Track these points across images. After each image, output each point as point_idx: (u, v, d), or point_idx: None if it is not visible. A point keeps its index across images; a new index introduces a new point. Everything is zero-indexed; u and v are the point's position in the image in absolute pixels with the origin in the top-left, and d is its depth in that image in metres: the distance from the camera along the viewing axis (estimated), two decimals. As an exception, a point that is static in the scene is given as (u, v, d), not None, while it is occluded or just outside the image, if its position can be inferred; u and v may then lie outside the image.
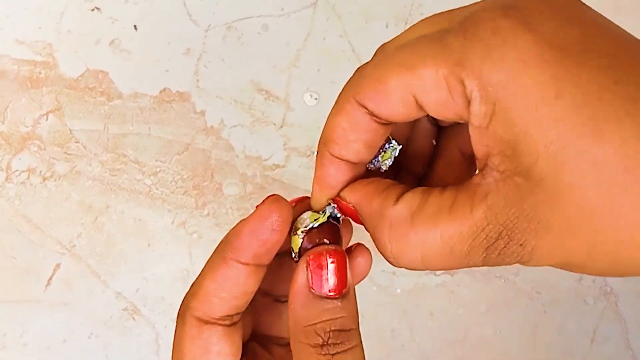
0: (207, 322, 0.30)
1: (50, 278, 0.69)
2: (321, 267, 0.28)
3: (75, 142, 0.69)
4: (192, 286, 0.30)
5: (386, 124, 0.28)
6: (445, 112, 0.26)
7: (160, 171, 0.69)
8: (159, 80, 0.70)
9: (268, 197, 0.30)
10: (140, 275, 0.69)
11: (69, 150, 0.69)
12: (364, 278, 0.33)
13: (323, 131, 0.29)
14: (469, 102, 0.24)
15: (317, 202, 0.30)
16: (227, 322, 0.30)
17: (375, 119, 0.28)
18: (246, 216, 0.30)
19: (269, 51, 0.70)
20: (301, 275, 0.29)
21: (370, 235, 0.28)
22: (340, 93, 0.29)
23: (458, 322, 0.69)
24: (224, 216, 0.68)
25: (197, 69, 0.70)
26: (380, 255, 0.70)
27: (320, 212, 0.30)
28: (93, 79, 0.70)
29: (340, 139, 0.28)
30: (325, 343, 0.28)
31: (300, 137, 0.69)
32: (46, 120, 0.69)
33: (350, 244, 0.34)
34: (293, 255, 0.31)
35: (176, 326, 0.31)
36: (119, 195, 0.69)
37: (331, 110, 0.29)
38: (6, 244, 0.69)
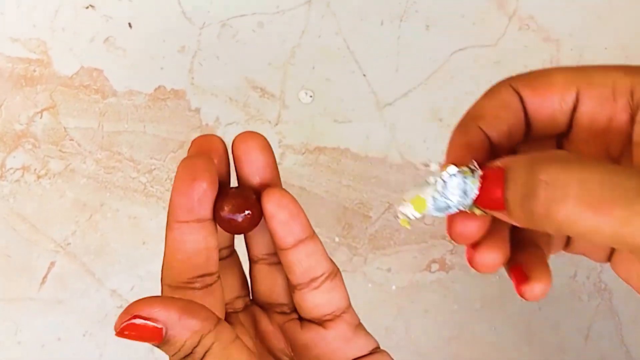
0: (177, 287, 0.32)
1: (45, 276, 0.69)
2: (133, 336, 0.29)
3: (70, 140, 0.69)
4: (164, 258, 0.33)
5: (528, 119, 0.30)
6: (600, 110, 0.29)
7: (155, 169, 0.69)
8: (153, 78, 0.70)
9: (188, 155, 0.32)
10: (135, 274, 0.69)
11: (63, 148, 0.69)
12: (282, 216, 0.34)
13: (472, 109, 0.32)
14: (630, 108, 0.28)
15: (457, 159, 0.30)
16: (196, 286, 0.32)
17: (525, 107, 0.31)
18: None
19: (264, 49, 0.70)
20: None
21: (512, 199, 0.27)
22: (497, 83, 0.32)
23: (453, 319, 0.69)
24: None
25: (192, 67, 0.70)
26: (376, 254, 0.70)
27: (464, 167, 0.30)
28: (87, 76, 0.70)
29: (490, 116, 0.31)
30: None
31: (295, 135, 0.69)
32: (41, 118, 0.69)
33: None
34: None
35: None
36: (113, 193, 0.69)
37: (482, 95, 0.32)
38: (0, 242, 0.69)
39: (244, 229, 0.32)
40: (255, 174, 0.33)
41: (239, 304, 0.36)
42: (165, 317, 0.28)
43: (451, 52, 0.70)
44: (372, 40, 0.70)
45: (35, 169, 0.69)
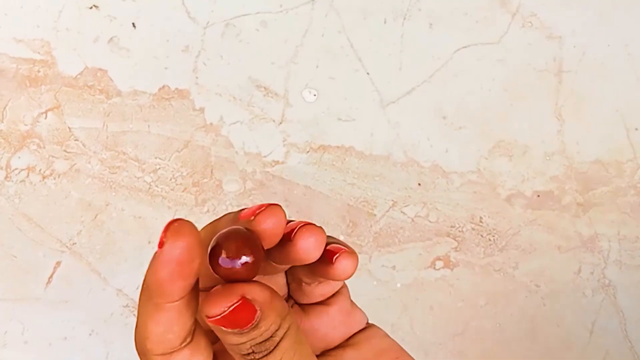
0: (171, 354, 0.30)
1: (51, 276, 0.69)
2: (223, 321, 0.28)
3: (75, 140, 0.69)
4: (138, 329, 0.30)
5: None
6: None
7: (159, 168, 0.69)
8: (157, 78, 0.70)
9: (167, 227, 0.27)
10: (141, 272, 0.69)
11: (68, 149, 0.69)
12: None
13: None
14: None
15: None
16: (188, 340, 0.31)
17: None
18: None
19: (268, 48, 0.70)
20: (211, 324, 0.29)
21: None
22: None
23: (458, 316, 0.69)
24: (224, 213, 0.69)
25: (196, 66, 0.70)
26: (381, 251, 0.70)
27: None
28: (92, 77, 0.70)
29: None
30: (252, 352, 0.29)
31: (299, 133, 0.69)
32: (45, 118, 0.69)
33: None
34: None
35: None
36: (118, 192, 0.69)
37: None
38: (6, 243, 0.69)
39: (243, 278, 0.28)
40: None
41: None
42: (262, 299, 0.28)
43: (454, 50, 0.70)
44: (375, 38, 0.70)
45: (40, 169, 0.69)
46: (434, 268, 0.69)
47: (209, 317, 0.28)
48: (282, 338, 0.29)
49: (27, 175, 0.69)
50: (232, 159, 0.69)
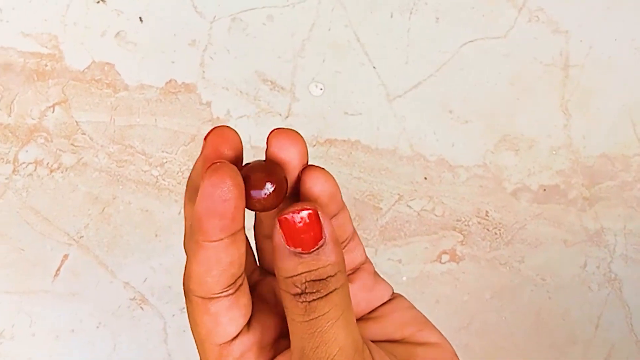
0: (210, 299, 0.30)
1: (58, 269, 0.69)
2: (292, 227, 0.28)
3: (82, 134, 0.70)
4: (185, 268, 0.31)
5: None
6: None
7: (166, 162, 0.70)
8: (164, 72, 0.70)
9: (210, 166, 0.28)
10: (148, 265, 0.70)
11: (75, 142, 0.70)
12: (327, 197, 0.33)
13: None
14: None
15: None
16: (230, 291, 0.31)
17: None
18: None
19: (274, 42, 0.70)
20: (276, 234, 0.29)
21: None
22: None
23: (463, 309, 0.69)
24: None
25: (202, 61, 0.70)
26: (387, 245, 0.70)
27: None
28: (99, 71, 0.70)
29: None
30: (303, 292, 0.29)
31: (305, 127, 0.70)
32: (52, 112, 0.70)
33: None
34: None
35: (186, 303, 0.32)
36: (125, 186, 0.70)
37: None
38: (14, 236, 0.69)
39: (269, 206, 0.30)
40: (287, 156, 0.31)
41: (256, 276, 0.37)
42: (330, 232, 0.28)
43: (461, 44, 0.70)
44: (381, 32, 0.70)
45: (47, 163, 0.70)
46: (440, 262, 0.69)
47: (279, 217, 0.28)
48: (335, 289, 0.29)
49: (35, 169, 0.70)
50: (238, 153, 0.69)
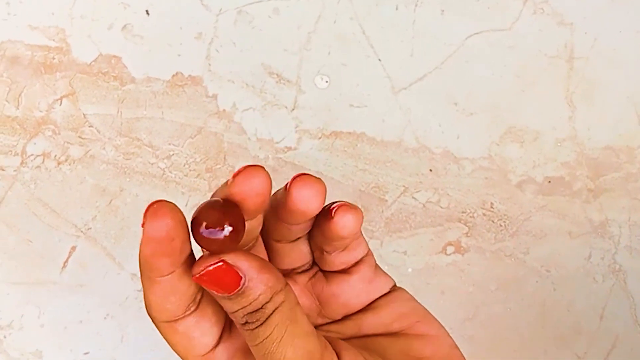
0: (176, 321, 0.31)
1: (66, 261, 0.70)
2: (207, 282, 0.29)
3: (89, 127, 0.70)
4: (144, 298, 0.32)
5: None
6: None
7: (173, 154, 0.70)
8: (171, 65, 0.70)
9: (147, 209, 0.29)
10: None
11: (83, 135, 0.70)
12: (351, 237, 0.34)
13: None
14: None
15: None
16: (192, 309, 0.32)
17: None
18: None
19: (280, 34, 0.70)
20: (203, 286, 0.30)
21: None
22: None
23: (468, 300, 0.70)
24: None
25: (208, 53, 0.70)
26: (392, 236, 0.71)
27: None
28: (106, 63, 0.70)
29: None
30: (246, 322, 0.30)
31: (311, 120, 0.70)
32: (60, 105, 0.70)
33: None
34: None
35: (156, 327, 0.33)
36: (133, 178, 0.70)
37: None
38: (22, 228, 0.70)
39: (226, 247, 0.29)
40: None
41: None
42: (247, 267, 0.29)
43: (466, 36, 0.70)
44: (387, 25, 0.70)
45: (55, 155, 0.70)
46: (445, 253, 0.69)
47: (193, 275, 0.29)
48: (273, 312, 0.29)
49: (43, 161, 0.70)
50: (244, 145, 0.70)
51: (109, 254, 0.70)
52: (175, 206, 0.28)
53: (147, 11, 0.71)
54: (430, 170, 0.70)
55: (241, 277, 0.29)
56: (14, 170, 0.70)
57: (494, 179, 0.70)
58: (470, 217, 0.69)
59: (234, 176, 0.29)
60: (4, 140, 0.70)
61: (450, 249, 0.69)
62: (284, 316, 0.30)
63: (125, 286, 0.70)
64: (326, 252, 0.36)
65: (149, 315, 0.32)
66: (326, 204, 0.33)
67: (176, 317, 0.31)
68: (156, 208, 0.28)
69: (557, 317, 0.69)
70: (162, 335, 0.32)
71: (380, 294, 0.38)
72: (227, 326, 0.33)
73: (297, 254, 0.37)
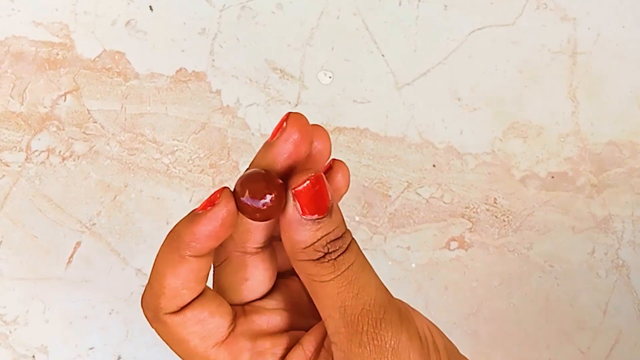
0: (184, 311, 0.31)
1: (71, 256, 0.70)
2: (307, 196, 0.29)
3: (94, 122, 0.70)
4: (152, 287, 0.31)
5: None
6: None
7: (177, 150, 0.70)
8: (175, 61, 0.71)
9: (221, 191, 0.30)
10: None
11: (87, 130, 0.70)
12: (345, 192, 0.35)
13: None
14: None
15: None
16: (198, 296, 0.31)
17: None
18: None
19: (283, 30, 0.70)
20: (290, 207, 0.30)
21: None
22: None
23: (472, 296, 0.70)
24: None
25: (212, 49, 0.71)
26: (396, 232, 0.71)
27: None
28: (110, 59, 0.71)
29: None
30: (327, 252, 0.30)
31: (315, 115, 0.70)
32: (64, 100, 0.70)
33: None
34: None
35: (155, 328, 0.32)
36: (137, 174, 0.70)
37: None
38: (27, 223, 0.70)
39: (267, 216, 0.30)
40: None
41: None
42: (331, 193, 0.30)
43: (469, 31, 0.70)
44: (390, 20, 0.70)
45: (60, 151, 0.70)
46: (449, 248, 0.70)
47: (296, 188, 0.29)
48: (352, 241, 0.31)
49: (47, 157, 0.70)
50: (248, 141, 0.70)
51: (114, 250, 0.70)
52: (232, 198, 0.30)
53: (150, 7, 0.71)
54: (434, 165, 0.70)
55: (330, 199, 0.29)
56: (19, 166, 0.70)
57: (497, 174, 0.70)
58: (474, 212, 0.70)
59: (275, 136, 0.31)
60: (9, 136, 0.70)
61: (453, 245, 0.70)
62: (359, 249, 0.31)
63: (130, 281, 0.70)
64: None
65: (153, 306, 0.31)
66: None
67: (184, 304, 0.31)
68: (228, 192, 0.29)
69: (560, 312, 0.69)
70: (164, 334, 0.31)
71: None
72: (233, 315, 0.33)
73: (270, 260, 0.36)
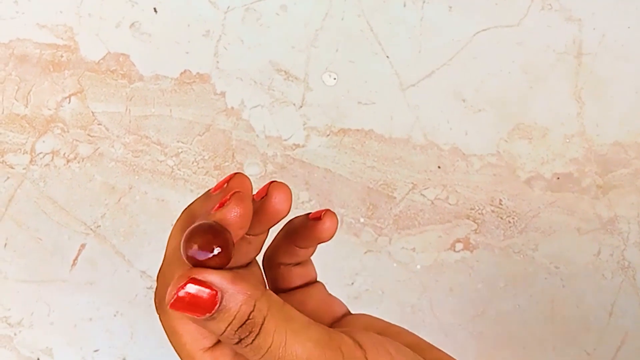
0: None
1: (76, 258, 0.70)
2: (186, 306, 0.28)
3: (98, 125, 0.70)
4: (164, 277, 0.32)
5: None
6: None
7: (182, 152, 0.70)
8: (179, 63, 0.71)
9: (230, 176, 0.33)
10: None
11: (91, 133, 0.70)
12: (326, 238, 0.37)
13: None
14: None
15: None
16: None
17: None
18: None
19: (288, 32, 0.70)
20: (185, 316, 0.30)
21: None
22: None
23: (477, 297, 0.70)
24: (245, 195, 0.69)
25: (216, 51, 0.71)
26: (401, 233, 0.70)
27: None
28: (114, 61, 0.71)
29: None
30: (241, 339, 0.29)
31: (319, 117, 0.70)
32: (69, 103, 0.70)
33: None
34: None
35: (158, 315, 0.32)
36: (141, 176, 0.70)
37: None
38: (32, 226, 0.70)
39: (216, 266, 0.29)
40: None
41: None
42: (219, 282, 0.28)
43: (474, 32, 0.70)
44: (395, 21, 0.70)
45: (64, 153, 0.70)
46: (454, 250, 0.69)
47: (169, 303, 0.28)
48: (264, 320, 0.28)
49: (52, 159, 0.70)
50: (253, 143, 0.70)
51: (118, 252, 0.70)
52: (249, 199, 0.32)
53: (154, 9, 0.71)
54: (439, 167, 0.70)
55: (216, 293, 0.28)
56: (23, 169, 0.70)
57: (503, 176, 0.70)
58: (479, 213, 0.69)
59: (223, 203, 0.31)
60: (13, 139, 0.70)
61: (459, 246, 0.69)
62: (278, 319, 0.29)
63: (135, 283, 0.70)
64: (283, 265, 0.38)
65: (161, 296, 0.31)
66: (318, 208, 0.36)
67: None
68: (241, 196, 0.31)
69: (566, 313, 0.69)
70: (167, 323, 0.32)
71: (339, 314, 0.39)
72: None
73: (251, 276, 0.37)
